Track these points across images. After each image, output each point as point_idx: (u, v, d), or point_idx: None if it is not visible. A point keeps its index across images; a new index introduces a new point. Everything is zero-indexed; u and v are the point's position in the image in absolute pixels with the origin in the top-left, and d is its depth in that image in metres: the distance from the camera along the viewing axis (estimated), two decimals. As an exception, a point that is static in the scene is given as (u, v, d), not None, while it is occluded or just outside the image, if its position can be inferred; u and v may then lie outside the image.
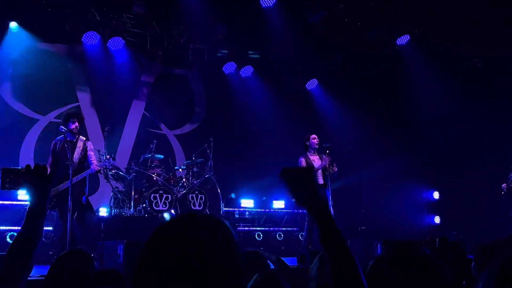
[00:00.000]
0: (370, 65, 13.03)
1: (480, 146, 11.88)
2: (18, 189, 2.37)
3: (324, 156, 9.30)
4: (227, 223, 1.28)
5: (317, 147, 9.43)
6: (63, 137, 7.66)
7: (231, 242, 1.24)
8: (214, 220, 1.27)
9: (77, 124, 7.68)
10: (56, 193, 7.34)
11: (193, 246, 1.17)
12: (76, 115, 7.88)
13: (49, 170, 7.15)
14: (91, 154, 7.82)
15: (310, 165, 9.28)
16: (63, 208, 7.31)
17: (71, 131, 7.64)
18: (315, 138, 9.50)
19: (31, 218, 2.14)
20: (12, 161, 9.99)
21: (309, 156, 9.40)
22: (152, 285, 1.15)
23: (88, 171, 7.67)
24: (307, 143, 9.47)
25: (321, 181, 9.31)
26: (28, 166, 2.25)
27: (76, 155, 7.61)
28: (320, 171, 9.33)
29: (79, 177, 7.54)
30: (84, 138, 7.89)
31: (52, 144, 7.76)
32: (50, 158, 7.71)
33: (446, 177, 13.06)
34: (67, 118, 7.70)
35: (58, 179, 7.42)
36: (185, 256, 1.15)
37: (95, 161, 7.80)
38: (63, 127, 7.58)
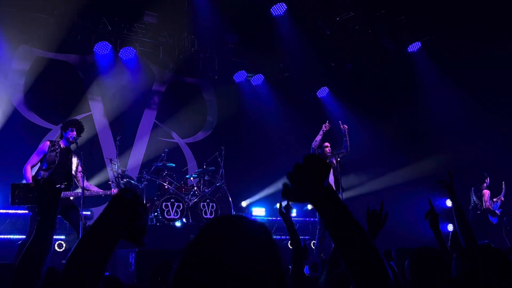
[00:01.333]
0: (381, 73, 12.98)
1: (494, 154, 11.76)
2: (27, 204, 2.38)
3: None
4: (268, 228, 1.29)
5: (330, 155, 9.43)
6: (56, 142, 7.35)
7: (275, 247, 1.25)
8: (259, 224, 1.28)
9: (75, 134, 7.28)
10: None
11: (239, 249, 1.18)
12: (77, 124, 7.41)
13: (31, 170, 7.08)
14: (80, 172, 7.40)
15: None
16: (68, 216, 7.09)
17: (67, 139, 7.29)
18: (327, 146, 9.50)
19: (40, 232, 2.15)
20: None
21: None
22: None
23: (101, 192, 7.55)
24: (319, 151, 9.46)
25: (333, 187, 9.30)
26: (37, 181, 2.27)
27: (74, 165, 7.33)
28: (332, 176, 9.34)
29: (89, 193, 7.37)
30: (75, 155, 7.46)
31: (47, 146, 7.25)
32: (38, 157, 7.18)
33: (459, 184, 12.93)
34: (66, 126, 7.34)
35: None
36: (228, 260, 1.16)
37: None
38: (71, 133, 7.27)
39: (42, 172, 7.10)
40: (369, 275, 1.40)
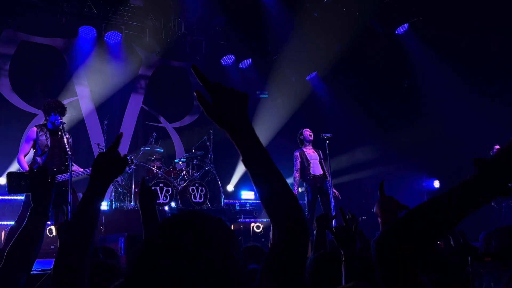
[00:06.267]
0: (370, 55, 12.96)
1: (483, 134, 11.81)
2: (23, 192, 2.37)
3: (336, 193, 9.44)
4: (227, 223, 1.26)
5: (311, 138, 9.57)
6: (43, 125, 7.23)
7: (231, 244, 1.22)
8: (216, 219, 1.25)
9: (59, 117, 7.13)
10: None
11: (195, 245, 1.15)
12: (58, 107, 7.22)
13: (24, 159, 7.02)
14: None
15: (305, 158, 9.38)
16: (55, 200, 6.95)
17: (52, 123, 7.17)
18: (307, 130, 9.65)
19: (32, 220, 2.12)
20: (12, 157, 9.96)
21: (304, 150, 9.51)
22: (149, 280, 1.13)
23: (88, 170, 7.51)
24: (301, 138, 9.60)
25: (320, 171, 9.40)
26: (31, 169, 2.24)
27: (68, 147, 7.13)
28: (317, 162, 9.43)
29: (82, 172, 7.40)
30: (67, 134, 7.35)
31: (35, 131, 7.16)
32: (28, 145, 7.10)
33: (447, 166, 13.02)
34: (47, 110, 7.19)
35: (55, 170, 7.02)
36: (185, 255, 1.13)
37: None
38: (59, 119, 7.13)
39: (38, 158, 7.06)
40: (284, 216, 1.43)
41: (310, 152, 9.55)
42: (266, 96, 13.86)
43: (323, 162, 9.52)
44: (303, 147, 9.57)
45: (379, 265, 1.29)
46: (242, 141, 1.50)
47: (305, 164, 9.37)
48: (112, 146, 1.91)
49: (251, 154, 1.49)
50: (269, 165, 1.48)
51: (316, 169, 9.40)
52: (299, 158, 9.40)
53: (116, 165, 1.87)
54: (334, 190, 9.44)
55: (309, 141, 9.58)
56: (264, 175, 1.47)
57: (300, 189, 9.42)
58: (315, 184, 9.29)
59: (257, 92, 13.69)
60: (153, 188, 9.59)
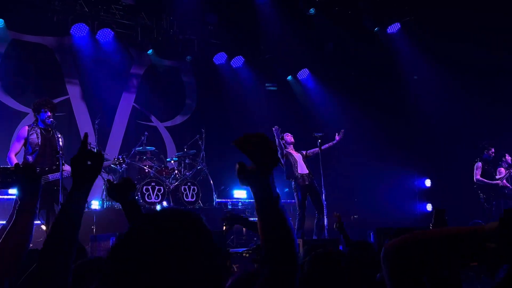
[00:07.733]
0: (362, 54, 12.99)
1: (473, 133, 11.89)
2: (8, 188, 2.35)
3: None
4: (202, 219, 1.28)
5: (293, 141, 9.66)
6: (34, 124, 7.22)
7: (205, 241, 1.23)
8: (189, 217, 1.26)
9: (49, 114, 7.13)
10: (44, 181, 6.81)
11: (166, 245, 1.17)
12: (48, 104, 7.25)
13: (15, 158, 6.99)
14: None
15: (291, 157, 9.45)
16: (47, 199, 6.88)
17: (43, 121, 7.17)
18: (288, 135, 9.76)
19: (20, 217, 2.10)
20: (2, 156, 9.89)
21: (289, 151, 9.58)
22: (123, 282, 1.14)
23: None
24: (283, 142, 9.62)
25: (306, 170, 9.45)
26: (17, 165, 2.21)
27: (61, 142, 7.17)
28: (302, 161, 9.50)
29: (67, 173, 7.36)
30: (59, 133, 7.35)
31: (26, 130, 7.19)
32: (19, 143, 7.16)
33: (438, 165, 13.09)
34: (37, 107, 7.19)
35: (47, 169, 7.04)
36: (157, 255, 1.15)
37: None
38: (50, 117, 7.13)
39: (29, 157, 7.08)
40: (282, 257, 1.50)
41: (294, 153, 9.63)
42: (276, 88, 13.84)
43: (309, 154, 9.67)
44: (285, 150, 9.63)
45: (386, 270, 1.31)
46: (262, 197, 1.62)
47: (292, 162, 9.43)
48: (81, 147, 1.88)
49: (267, 211, 1.59)
50: (280, 219, 1.57)
51: (303, 168, 9.49)
52: (285, 158, 9.47)
53: (92, 162, 1.86)
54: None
55: (290, 143, 9.68)
56: (273, 226, 1.57)
57: None
58: (303, 183, 9.35)
59: (266, 85, 13.66)
60: (144, 187, 9.59)
